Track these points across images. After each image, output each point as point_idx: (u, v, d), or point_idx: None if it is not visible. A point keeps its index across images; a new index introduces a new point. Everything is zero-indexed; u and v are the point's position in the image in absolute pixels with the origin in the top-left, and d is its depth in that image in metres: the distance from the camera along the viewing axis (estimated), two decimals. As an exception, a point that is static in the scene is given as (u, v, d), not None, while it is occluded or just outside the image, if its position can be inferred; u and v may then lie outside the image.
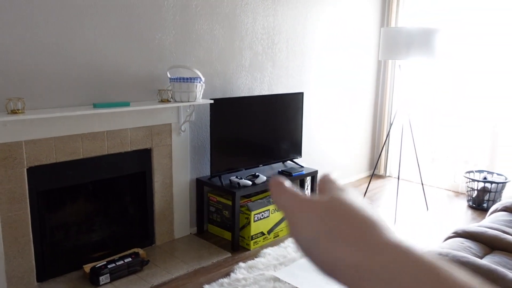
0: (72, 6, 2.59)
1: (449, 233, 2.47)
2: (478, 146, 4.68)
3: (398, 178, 4.01)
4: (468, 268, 1.92)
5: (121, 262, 2.72)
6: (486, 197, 4.20)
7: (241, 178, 3.23)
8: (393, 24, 4.97)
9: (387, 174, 5.29)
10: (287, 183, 0.36)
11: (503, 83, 4.32)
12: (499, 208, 2.90)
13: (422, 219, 3.94)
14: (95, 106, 2.63)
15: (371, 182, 5.02)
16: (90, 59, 2.72)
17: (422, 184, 4.23)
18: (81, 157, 2.71)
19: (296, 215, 0.32)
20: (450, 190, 4.79)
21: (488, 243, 2.28)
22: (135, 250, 2.92)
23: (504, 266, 2.07)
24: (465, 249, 2.22)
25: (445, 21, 4.69)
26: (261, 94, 3.77)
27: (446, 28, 4.71)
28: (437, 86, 4.94)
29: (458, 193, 4.70)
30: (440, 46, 3.91)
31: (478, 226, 2.45)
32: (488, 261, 2.11)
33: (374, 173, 5.35)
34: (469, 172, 4.50)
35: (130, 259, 2.76)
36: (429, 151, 5.13)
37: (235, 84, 3.59)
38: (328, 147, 4.66)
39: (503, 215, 2.76)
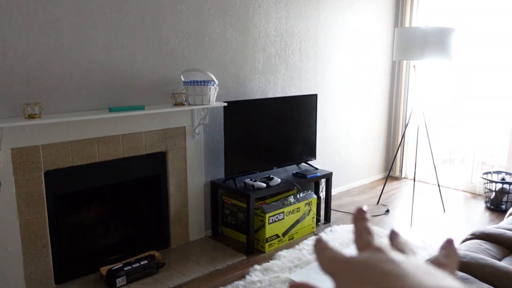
0: (87, 12, 2.63)
1: (467, 235, 2.43)
2: (495, 146, 4.61)
3: (414, 180, 3.97)
4: (486, 270, 1.89)
5: (137, 264, 2.74)
6: (505, 199, 4.12)
7: (255, 181, 3.23)
8: (406, 25, 4.92)
9: (403, 176, 5.24)
10: (328, 242, 0.36)
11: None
12: (518, 209, 2.84)
13: (439, 221, 3.89)
14: (111, 110, 2.66)
15: (386, 183, 4.98)
16: (105, 64, 2.75)
17: (439, 185, 4.18)
18: (97, 160, 2.75)
19: (335, 274, 0.33)
20: (467, 192, 4.72)
21: (507, 245, 2.24)
22: (151, 252, 2.94)
23: (524, 268, 2.02)
24: (483, 251, 2.18)
25: (460, 21, 4.63)
26: (274, 96, 3.77)
27: (462, 28, 4.65)
28: (453, 86, 4.88)
29: (475, 195, 4.63)
30: (456, 46, 3.86)
31: (497, 228, 2.40)
32: (507, 263, 2.08)
33: (389, 174, 5.30)
34: (486, 173, 4.43)
35: (146, 261, 2.78)
36: (445, 152, 5.06)
37: (249, 86, 3.60)
38: (343, 148, 4.63)
39: (522, 217, 2.71)
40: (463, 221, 3.89)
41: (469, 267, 1.93)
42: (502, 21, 4.33)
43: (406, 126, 4.32)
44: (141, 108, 2.77)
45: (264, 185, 3.21)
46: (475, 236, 2.36)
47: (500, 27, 4.36)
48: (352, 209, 4.15)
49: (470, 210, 4.17)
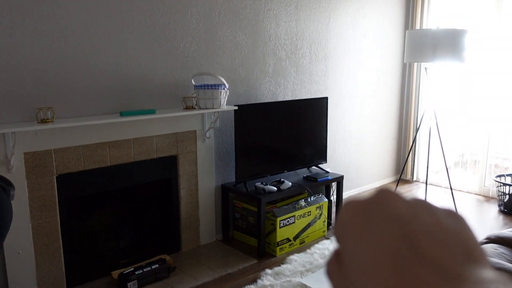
0: (98, 18, 2.65)
1: (482, 239, 2.39)
2: (509, 149, 4.55)
3: (426, 183, 3.93)
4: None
5: (148, 268, 2.74)
6: (520, 202, 4.06)
7: (266, 184, 3.22)
8: (417, 27, 4.89)
9: (414, 179, 5.19)
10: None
11: (534, 84, 4.19)
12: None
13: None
14: (122, 114, 2.67)
15: (398, 187, 4.93)
16: (116, 69, 2.77)
17: (451, 188, 4.13)
18: (108, 164, 2.75)
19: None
20: (480, 195, 4.66)
21: (523, 249, 2.20)
22: (162, 256, 2.93)
23: (542, 273, 1.99)
24: (499, 255, 2.15)
25: (471, 23, 4.59)
26: (284, 99, 3.76)
27: (472, 30, 4.60)
28: (465, 88, 4.83)
29: (488, 198, 4.57)
30: (468, 48, 3.82)
31: (510, 231, 2.37)
32: (524, 268, 2.04)
33: (401, 178, 5.25)
34: (499, 176, 4.37)
35: (157, 265, 2.78)
36: (457, 155, 5.01)
37: (259, 90, 3.59)
38: (354, 152, 4.60)
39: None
40: (477, 224, 3.84)
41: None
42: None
43: (417, 128, 4.28)
44: (152, 112, 2.78)
45: (275, 188, 3.20)
46: (490, 240, 2.32)
47: (510, 30, 4.31)
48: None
49: (483, 214, 4.12)
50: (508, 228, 3.74)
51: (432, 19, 4.86)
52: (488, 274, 0.23)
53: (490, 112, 4.55)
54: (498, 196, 4.23)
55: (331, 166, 4.33)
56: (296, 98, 3.83)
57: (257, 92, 3.58)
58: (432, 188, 4.91)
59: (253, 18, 3.45)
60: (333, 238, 3.28)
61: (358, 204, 0.29)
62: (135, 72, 2.86)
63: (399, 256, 0.24)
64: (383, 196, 0.29)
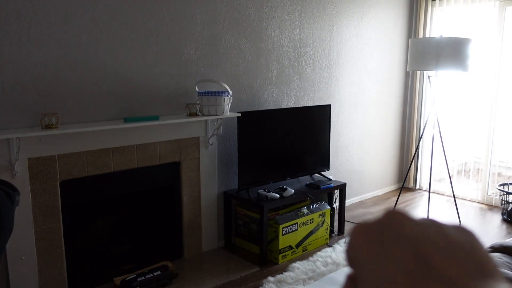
0: (102, 24, 2.67)
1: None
2: (510, 157, 4.54)
3: (429, 191, 3.92)
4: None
5: (151, 275, 2.73)
6: (522, 211, 4.05)
7: (268, 191, 3.22)
8: (420, 35, 4.91)
9: (417, 187, 5.18)
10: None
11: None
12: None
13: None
14: (126, 120, 2.68)
15: (400, 195, 4.92)
16: (120, 75, 2.78)
17: (454, 197, 4.12)
18: (112, 170, 2.76)
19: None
20: (483, 204, 4.64)
21: (527, 259, 2.19)
22: (164, 263, 2.93)
23: (546, 283, 1.97)
24: (503, 265, 2.14)
25: (474, 32, 4.61)
26: (288, 107, 3.77)
27: (475, 39, 4.62)
28: (468, 97, 4.83)
29: (491, 207, 4.55)
30: (471, 57, 3.83)
31: (516, 241, 2.36)
32: (528, 278, 2.03)
33: (404, 186, 5.24)
34: (503, 184, 4.36)
35: (159, 272, 2.77)
36: (460, 163, 5.00)
37: (262, 97, 3.60)
38: (356, 159, 4.60)
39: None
40: (480, 233, 3.82)
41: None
42: (518, 31, 4.29)
43: (420, 136, 4.27)
44: (156, 118, 2.79)
45: (278, 196, 3.20)
46: (494, 249, 2.31)
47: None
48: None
49: (486, 223, 4.10)
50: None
51: (436, 27, 4.87)
52: (502, 287, 0.23)
53: (493, 120, 4.55)
54: (501, 205, 4.21)
55: (334, 173, 4.33)
56: (299, 106, 3.84)
57: (260, 99, 3.59)
58: (435, 196, 4.89)
59: (257, 25, 3.47)
60: (345, 263, 3.28)
61: (367, 227, 0.29)
62: (140, 79, 2.87)
63: (413, 275, 0.24)
64: (391, 217, 0.29)
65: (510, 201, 4.10)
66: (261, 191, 3.24)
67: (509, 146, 4.57)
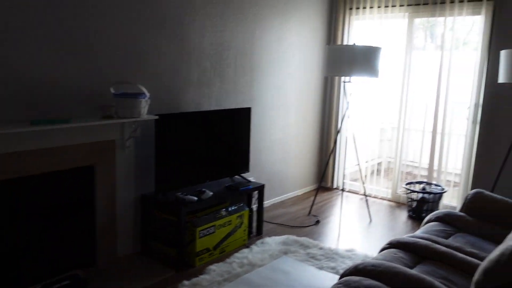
0: (8, 20, 2.52)
1: (385, 244, 2.58)
2: (419, 157, 4.92)
3: (342, 190, 4.15)
4: (398, 278, 2.02)
5: (57, 285, 2.63)
6: (425, 207, 4.40)
7: (186, 194, 3.23)
8: (339, 42, 5.16)
9: (334, 186, 5.44)
10: None
11: (440, 99, 4.58)
12: (432, 218, 3.06)
13: (365, 230, 4.08)
14: (33, 123, 2.56)
15: (320, 194, 5.15)
16: (28, 74, 2.65)
17: (366, 195, 4.39)
18: (18, 176, 2.62)
19: None
20: (393, 201, 4.99)
21: (419, 253, 2.40)
22: (75, 272, 2.83)
23: (433, 275, 2.18)
24: (397, 260, 2.33)
25: (388, 40, 4.93)
26: (209, 109, 3.79)
27: (389, 47, 4.95)
28: (381, 100, 5.16)
29: (400, 204, 4.90)
30: (381, 64, 4.10)
31: (411, 237, 2.57)
32: (418, 271, 2.23)
33: (322, 185, 5.48)
34: (409, 183, 4.71)
35: (68, 282, 2.68)
36: (373, 163, 5.33)
37: (183, 99, 3.60)
38: (278, 161, 4.74)
39: (435, 225, 2.92)
40: (387, 230, 4.11)
41: (382, 276, 2.05)
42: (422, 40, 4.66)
43: (336, 138, 4.50)
44: (67, 121, 2.69)
45: (195, 198, 3.22)
46: (391, 245, 2.51)
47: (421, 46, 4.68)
48: (284, 220, 4.24)
49: (394, 219, 4.41)
50: (415, 232, 4.04)
51: (353, 36, 5.15)
52: None
53: (402, 123, 4.89)
54: (407, 202, 4.56)
55: (256, 175, 4.43)
56: (220, 108, 3.88)
57: (180, 102, 3.58)
58: (350, 195, 5.17)
59: (177, 27, 3.45)
60: (260, 263, 3.36)
61: None
62: (50, 78, 2.75)
63: None
64: None
65: (415, 199, 4.44)
66: (179, 194, 3.24)
67: (417, 146, 4.95)
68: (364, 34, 5.12)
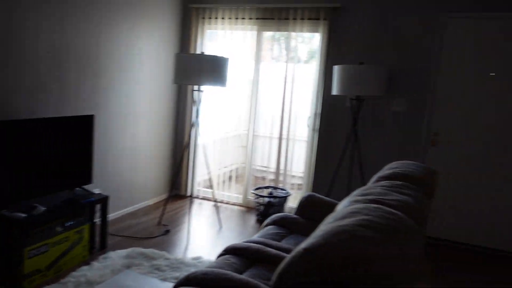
0: None
1: (221, 251, 2.64)
2: (267, 163, 5.20)
3: (194, 197, 4.16)
4: (225, 284, 2.08)
5: None
6: (271, 211, 4.66)
7: (13, 211, 2.91)
8: (192, 51, 5.20)
9: (188, 194, 5.46)
10: None
11: (285, 108, 4.91)
12: (270, 222, 3.24)
13: (215, 237, 4.16)
14: None
15: (171, 203, 5.10)
16: None
17: (216, 202, 4.49)
18: None
19: None
20: (244, 206, 5.18)
21: (251, 257, 2.52)
22: None
23: (261, 278, 2.30)
24: (229, 266, 2.40)
25: (238, 51, 5.13)
26: (45, 116, 3.48)
27: (239, 57, 5.14)
28: (235, 108, 5.34)
29: (250, 209, 5.12)
30: (229, 73, 4.24)
31: (245, 242, 2.68)
32: (247, 275, 2.33)
33: (177, 194, 5.45)
34: (258, 188, 4.95)
35: None
36: (227, 170, 5.48)
37: (12, 105, 3.24)
38: (127, 170, 4.57)
39: (271, 229, 3.10)
40: (237, 235, 4.25)
41: (213, 284, 2.10)
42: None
43: (188, 145, 4.51)
44: None
45: (24, 215, 2.92)
46: (226, 251, 2.58)
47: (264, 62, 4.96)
48: (132, 232, 4.10)
49: (243, 224, 4.58)
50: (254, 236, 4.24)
51: (206, 45, 5.23)
52: None
53: (251, 129, 5.13)
54: (256, 207, 4.78)
55: (103, 186, 4.20)
56: (59, 116, 3.59)
57: (10, 108, 3.22)
58: (203, 202, 5.23)
59: (4, 26, 3.10)
60: (100, 279, 3.18)
61: None
62: None
63: None
64: None
65: (262, 203, 4.67)
66: (4, 211, 2.90)
67: (265, 152, 5.22)
68: (217, 44, 5.25)
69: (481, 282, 3.54)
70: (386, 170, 2.65)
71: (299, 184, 5.33)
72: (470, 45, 4.16)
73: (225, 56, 4.14)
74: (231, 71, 5.11)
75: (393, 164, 2.80)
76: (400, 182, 2.30)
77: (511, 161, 4.14)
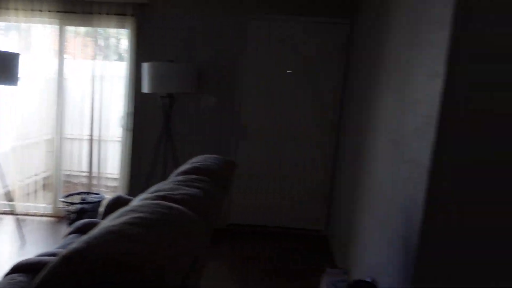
0: None
1: (8, 270, 2.34)
2: (79, 166, 4.85)
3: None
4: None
5: None
6: (85, 218, 4.36)
7: None
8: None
9: (-14, 210, 4.75)
10: None
11: (95, 107, 4.63)
12: (73, 230, 3.01)
13: (16, 254, 3.70)
14: None
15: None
16: None
17: (17, 215, 3.98)
18: None
19: None
20: (54, 216, 4.74)
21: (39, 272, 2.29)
22: None
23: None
24: (15, 285, 2.14)
25: (37, 47, 4.64)
26: None
27: (40, 53, 4.66)
28: (39, 110, 4.82)
29: (61, 218, 4.70)
30: (23, 71, 3.80)
31: (39, 256, 2.43)
32: (36, 292, 2.11)
33: (-29, 210, 4.69)
34: (68, 195, 4.58)
35: None
36: (37, 178, 4.93)
37: None
38: None
39: (74, 237, 2.87)
40: (44, 248, 3.85)
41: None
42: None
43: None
44: None
45: None
46: (14, 269, 2.30)
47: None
48: None
49: (53, 235, 4.19)
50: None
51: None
52: None
53: (58, 132, 4.70)
54: (67, 215, 4.41)
55: None
56: None
57: None
58: (5, 217, 4.60)
59: None
60: None
61: None
62: None
63: None
64: None
65: (74, 211, 4.34)
66: None
67: (77, 156, 4.86)
68: (9, 38, 4.66)
69: (271, 250, 3.92)
70: (186, 165, 2.70)
71: (115, 187, 5.11)
72: (270, 45, 4.55)
73: (15, 51, 3.68)
74: (25, 69, 4.59)
75: (195, 159, 2.87)
76: (195, 176, 2.37)
77: (302, 151, 4.67)
